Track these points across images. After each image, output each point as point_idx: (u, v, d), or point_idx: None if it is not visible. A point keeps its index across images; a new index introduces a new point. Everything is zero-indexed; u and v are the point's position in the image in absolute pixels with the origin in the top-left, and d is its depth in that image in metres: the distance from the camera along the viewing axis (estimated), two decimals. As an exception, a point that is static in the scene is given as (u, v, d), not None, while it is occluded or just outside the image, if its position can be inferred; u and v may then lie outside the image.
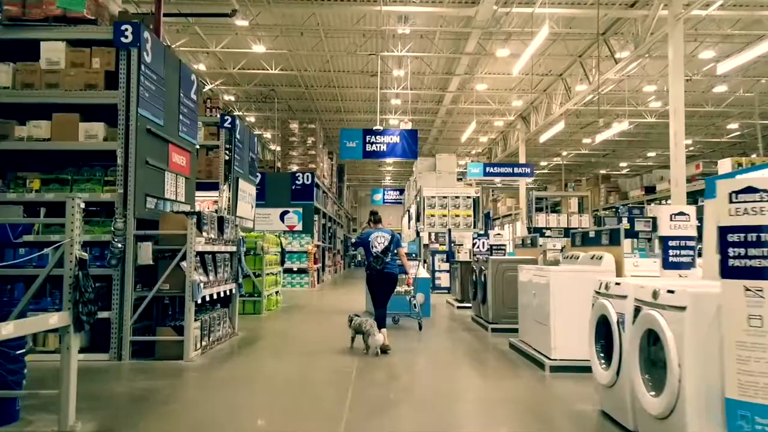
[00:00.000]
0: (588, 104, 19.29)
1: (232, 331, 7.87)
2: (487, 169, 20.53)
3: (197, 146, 9.79)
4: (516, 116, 22.38)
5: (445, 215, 21.47)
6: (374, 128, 17.87)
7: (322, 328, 9.19)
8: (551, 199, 25.90)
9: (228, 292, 7.54)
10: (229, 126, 10.48)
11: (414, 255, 11.73)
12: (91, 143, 6.27)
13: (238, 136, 10.80)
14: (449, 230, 16.70)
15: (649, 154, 31.05)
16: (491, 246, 10.80)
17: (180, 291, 6.19)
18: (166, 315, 6.82)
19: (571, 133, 24.98)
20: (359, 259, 40.36)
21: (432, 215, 21.48)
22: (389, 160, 34.09)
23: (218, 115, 10.50)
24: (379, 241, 7.10)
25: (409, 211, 29.89)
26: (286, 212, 18.06)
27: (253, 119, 25.03)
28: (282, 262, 12.34)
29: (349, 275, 27.55)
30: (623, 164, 33.96)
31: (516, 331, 7.11)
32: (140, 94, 6.19)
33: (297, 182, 18.12)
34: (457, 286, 12.18)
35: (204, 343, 6.59)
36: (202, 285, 6.33)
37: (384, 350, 6.67)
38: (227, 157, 10.70)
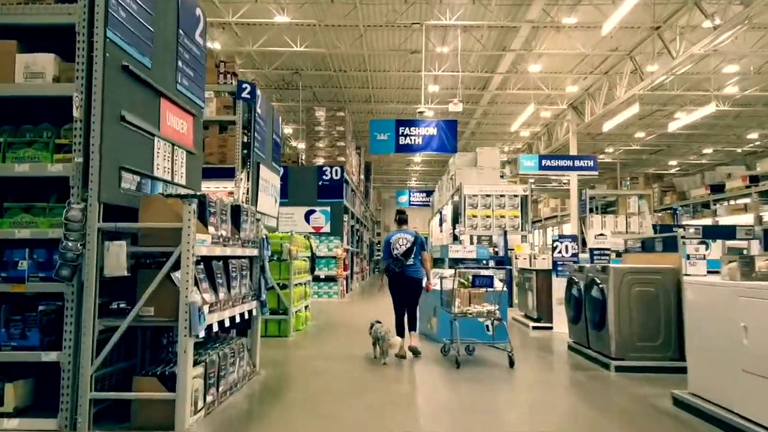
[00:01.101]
0: (656, 88, 16.77)
1: (252, 370, 5.56)
2: (543, 162, 18.07)
3: (204, 112, 7.52)
4: (568, 105, 19.90)
5: (488, 216, 19.04)
6: (419, 109, 15.49)
7: (369, 357, 6.86)
8: (602, 200, 23.36)
9: (247, 315, 5.24)
10: (249, 96, 8.22)
11: (489, 263, 9.26)
12: (34, 86, 4.03)
13: (259, 110, 8.54)
14: (505, 233, 14.28)
15: (705, 151, 28.27)
16: (592, 251, 8.38)
17: (171, 318, 3.91)
18: (150, 355, 4.55)
19: (626, 126, 22.40)
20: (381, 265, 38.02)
21: (473, 216, 19.06)
22: (417, 158, 31.74)
23: (234, 83, 8.25)
24: (401, 242, 6.84)
25: (440, 212, 27.51)
26: (311, 212, 15.80)
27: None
28: (312, 270, 10.06)
29: (376, 282, 25.23)
30: (673, 162, 31.20)
31: (655, 371, 5.74)
32: (110, 9, 3.93)
33: (324, 177, 15.85)
34: (531, 300, 9.78)
35: (209, 398, 4.29)
36: (206, 309, 4.05)
37: (415, 353, 6.71)
38: (245, 138, 8.45)
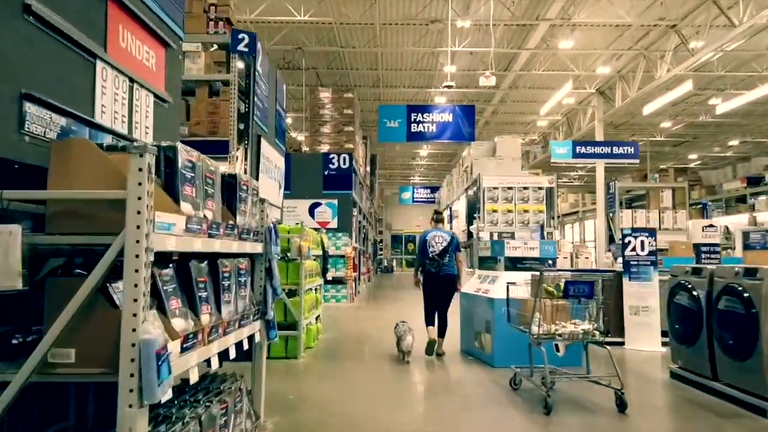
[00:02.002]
0: (699, 68, 15.01)
1: (255, 424, 3.72)
2: (578, 148, 16.30)
3: (191, 69, 5.81)
4: (595, 88, 18.12)
5: (510, 211, 17.27)
6: (445, 84, 13.72)
7: (411, 396, 5.06)
8: (625, 194, 21.62)
9: (246, 342, 3.43)
10: (247, 49, 6.40)
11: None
12: None
13: (259, 68, 6.73)
14: (541, 227, 12.50)
15: (731, 143, 26.58)
16: (699, 247, 6.59)
17: (105, 370, 2.09)
18: (97, 410, 2.76)
19: (656, 114, 20.65)
20: (384, 264, 36.18)
21: (493, 211, 17.28)
22: (424, 152, 29.94)
23: (228, 33, 6.42)
24: (437, 241, 6.80)
25: (450, 209, 25.73)
26: (316, 204, 13.99)
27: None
28: (324, 272, 8.24)
29: (383, 284, 23.41)
30: (693, 156, 29.51)
31: None
32: None
33: (331, 166, 14.03)
34: (591, 310, 7.99)
35: (183, 501, 2.47)
36: (175, 348, 2.24)
37: (438, 354, 6.63)
38: (243, 105, 6.65)
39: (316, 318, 7.79)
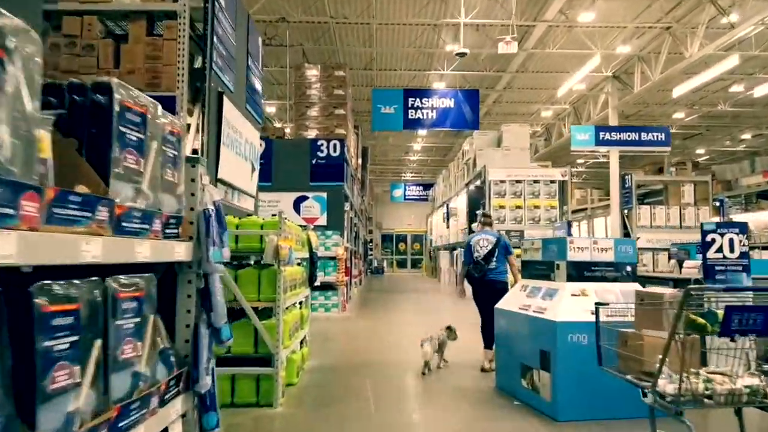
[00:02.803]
0: (731, 47, 13.36)
1: None
2: (601, 134, 14.58)
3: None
4: (612, 71, 16.40)
5: (519, 206, 15.54)
6: (458, 51, 11.98)
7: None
8: (638, 189, 19.95)
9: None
10: (201, -31, 4.52)
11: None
12: None
13: (222, 1, 4.86)
14: (569, 224, 10.74)
15: (744, 137, 25.11)
16: None
17: None
18: None
19: (673, 103, 19.00)
20: (375, 265, 34.32)
21: (501, 207, 15.54)
22: (417, 145, 28.14)
23: (175, -55, 4.54)
24: (482, 244, 6.21)
25: (447, 205, 23.96)
26: (302, 198, 12.12)
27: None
28: (312, 279, 6.38)
29: (375, 287, 21.56)
30: (700, 150, 28.03)
31: None
32: None
33: (319, 154, 12.17)
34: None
35: None
36: None
37: (483, 369, 5.90)
38: (200, 60, 4.78)
39: (301, 341, 5.93)
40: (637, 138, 14.51)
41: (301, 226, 10.91)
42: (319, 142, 12.19)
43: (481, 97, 18.36)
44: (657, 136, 14.52)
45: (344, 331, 9.19)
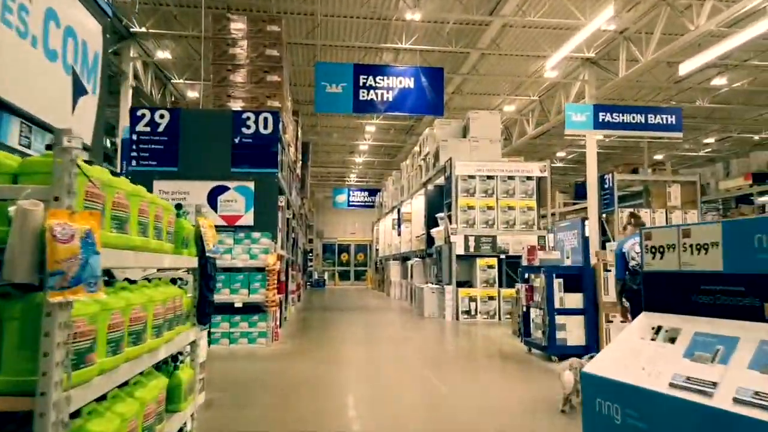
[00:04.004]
0: (732, 23, 11.41)
1: None
2: (601, 115, 12.24)
3: None
4: (595, 51, 14.19)
5: (490, 207, 12.98)
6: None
7: None
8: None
9: None
10: None
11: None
12: None
13: None
14: (582, 221, 8.21)
15: (707, 140, 23.86)
16: None
17: None
18: None
19: (648, 98, 17.12)
20: (315, 278, 31.10)
21: (469, 207, 12.95)
22: (364, 145, 25.32)
23: None
24: (638, 250, 5.10)
25: (398, 211, 21.25)
26: (220, 189, 9.01)
27: (165, 54, 15.67)
28: (203, 308, 3.35)
29: (316, 303, 18.45)
30: (659, 156, 26.72)
31: None
32: None
33: (245, 131, 9.11)
34: None
35: None
36: None
37: None
38: None
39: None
40: (643, 121, 12.32)
41: (217, 227, 7.86)
42: (244, 116, 9.14)
43: (449, 76, 15.73)
44: (667, 119, 12.39)
45: (275, 379, 6.17)
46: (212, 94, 9.81)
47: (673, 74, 15.52)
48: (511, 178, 12.91)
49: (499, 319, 12.22)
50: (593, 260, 7.28)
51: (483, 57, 14.90)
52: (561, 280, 7.13)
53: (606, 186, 14.82)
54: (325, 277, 32.49)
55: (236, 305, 8.06)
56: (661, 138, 12.96)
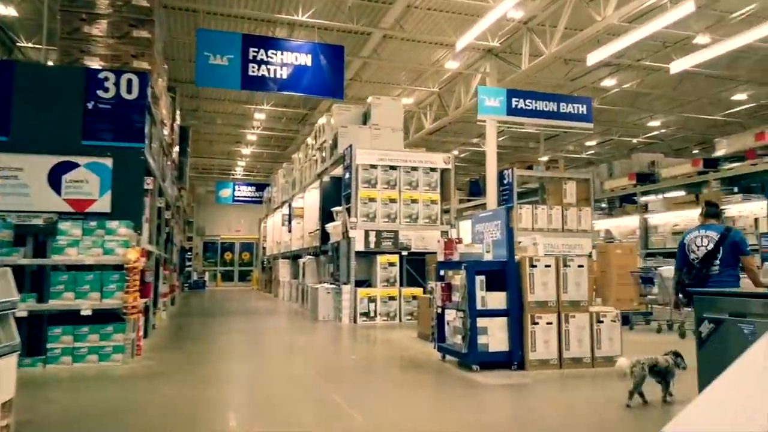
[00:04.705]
0: (638, 16, 11.42)
1: None
2: (514, 101, 11.60)
3: None
4: (499, 41, 13.72)
5: (393, 200, 12.02)
6: None
7: None
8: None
9: None
10: None
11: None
12: None
13: None
14: (507, 210, 7.31)
15: (589, 143, 24.91)
16: None
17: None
18: None
19: (535, 86, 17.15)
20: (195, 279, 28.52)
21: (370, 200, 11.89)
22: (253, 135, 23.43)
23: None
24: (699, 243, 4.97)
25: (289, 206, 19.72)
26: (67, 166, 7.12)
27: (10, 10, 12.95)
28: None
29: (194, 307, 16.45)
30: (544, 159, 27.54)
31: None
32: None
33: (102, 94, 7.29)
34: None
35: None
36: None
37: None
38: None
39: None
40: (555, 109, 11.96)
41: (58, 214, 6.14)
42: (102, 76, 7.32)
43: (348, 58, 14.55)
44: (578, 109, 12.14)
45: (131, 412, 4.60)
46: (60, 49, 7.83)
47: (570, 71, 15.63)
48: (414, 169, 12.04)
49: (400, 320, 11.29)
50: (518, 254, 6.46)
51: (385, 40, 13.94)
52: (483, 277, 6.23)
53: (505, 181, 14.47)
54: (206, 277, 30.00)
55: (84, 313, 6.28)
56: (572, 128, 12.78)
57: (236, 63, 11.31)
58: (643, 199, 17.02)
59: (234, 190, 30.96)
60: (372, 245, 11.55)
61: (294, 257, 18.25)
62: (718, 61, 14.42)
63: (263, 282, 25.10)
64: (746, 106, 19.02)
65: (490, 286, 6.26)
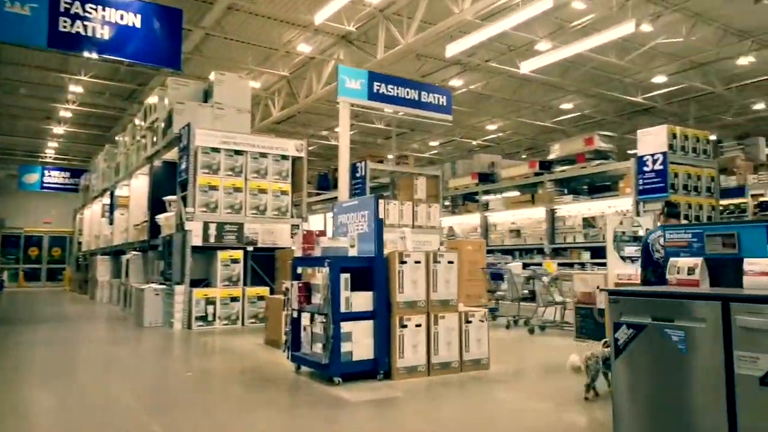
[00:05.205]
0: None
1: None
2: (376, 86, 10.69)
3: None
4: (356, 25, 13.00)
5: (238, 189, 10.77)
6: None
7: None
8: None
9: None
10: None
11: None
12: None
13: None
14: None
15: (432, 143, 25.57)
16: None
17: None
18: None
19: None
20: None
21: (212, 187, 10.51)
22: (67, 108, 20.05)
23: None
24: (662, 242, 4.51)
25: (111, 194, 17.12)
26: None
27: None
28: None
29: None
30: (391, 156, 27.82)
31: None
32: None
33: None
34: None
35: None
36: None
37: None
38: None
39: None
40: (417, 97, 11.45)
41: None
42: None
43: (187, 28, 12.75)
44: (439, 99, 11.77)
45: None
46: None
47: (421, 67, 15.55)
48: (263, 155, 10.89)
49: (243, 324, 10.10)
50: (387, 249, 5.77)
51: (231, 12, 12.50)
52: (348, 275, 5.43)
53: (358, 174, 13.96)
54: (4, 277, 25.35)
55: None
56: (431, 119, 12.51)
57: (42, 14, 9.21)
58: (485, 198, 17.65)
59: (43, 175, 26.61)
60: (212, 239, 10.18)
61: (116, 253, 15.90)
62: (553, 69, 15.38)
63: (77, 282, 21.75)
64: (571, 115, 20.75)
65: (355, 285, 5.48)
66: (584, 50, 12.83)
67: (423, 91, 11.50)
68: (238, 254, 10.31)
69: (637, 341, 2.88)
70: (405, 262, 5.65)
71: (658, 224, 5.46)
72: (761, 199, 14.01)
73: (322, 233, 5.99)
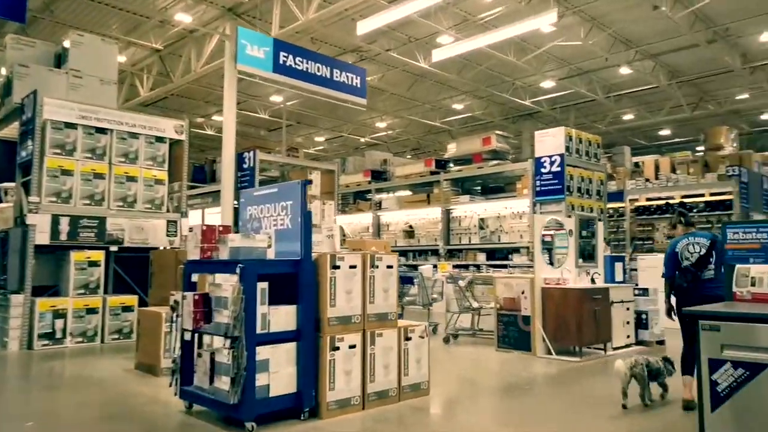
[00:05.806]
0: None
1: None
2: (283, 57, 8.90)
3: None
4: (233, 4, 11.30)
5: (100, 175, 8.76)
6: None
7: None
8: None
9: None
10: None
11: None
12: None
13: None
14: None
15: (318, 138, 24.31)
16: None
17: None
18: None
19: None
20: None
21: (65, 172, 8.42)
22: None
23: None
24: (692, 249, 5.03)
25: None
26: None
27: None
28: None
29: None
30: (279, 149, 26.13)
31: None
32: None
33: None
34: None
35: None
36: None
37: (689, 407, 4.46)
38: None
39: None
40: (328, 75, 9.98)
41: None
42: None
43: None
44: (353, 80, 10.42)
45: None
46: None
47: (317, 51, 14.28)
48: (133, 135, 8.96)
49: (102, 341, 8.19)
50: (316, 251, 4.53)
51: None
52: (266, 284, 4.13)
53: (245, 166, 12.42)
54: None
55: None
56: (344, 101, 11.18)
57: None
58: (377, 196, 16.83)
59: None
60: (63, 236, 8.11)
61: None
62: (451, 65, 14.96)
63: None
64: (461, 116, 20.68)
65: (274, 298, 4.19)
66: (489, 43, 12.43)
67: (335, 69, 10.22)
68: (99, 255, 8.34)
69: (752, 387, 1.99)
70: (338, 267, 4.46)
71: (677, 233, 5.24)
72: (637, 204, 14.65)
73: (227, 229, 4.59)
